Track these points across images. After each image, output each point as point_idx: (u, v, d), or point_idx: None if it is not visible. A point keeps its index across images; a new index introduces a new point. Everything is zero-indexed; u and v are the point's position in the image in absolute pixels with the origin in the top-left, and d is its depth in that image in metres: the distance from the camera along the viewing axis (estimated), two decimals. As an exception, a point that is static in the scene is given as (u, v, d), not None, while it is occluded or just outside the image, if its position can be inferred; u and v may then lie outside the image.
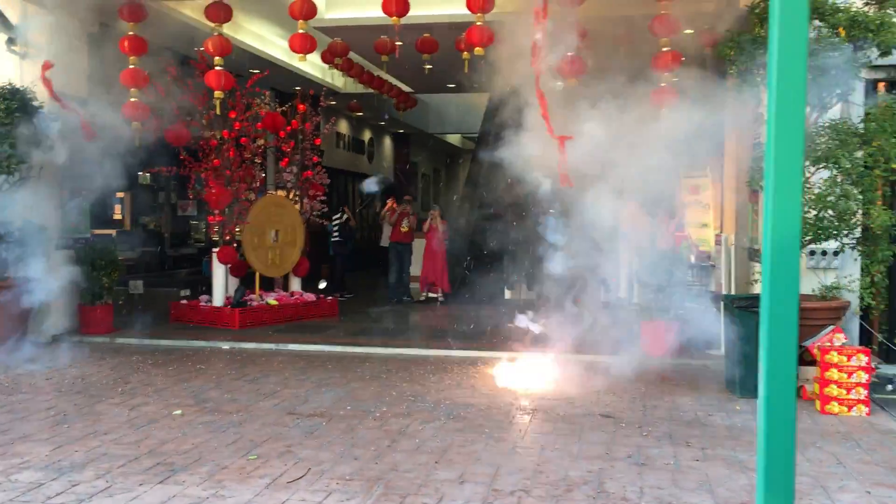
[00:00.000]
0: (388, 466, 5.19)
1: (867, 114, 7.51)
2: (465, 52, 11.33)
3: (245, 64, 12.79)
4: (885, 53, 7.24)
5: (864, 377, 6.64)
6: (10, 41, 9.59)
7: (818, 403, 6.76)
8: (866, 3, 7.16)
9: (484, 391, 7.42)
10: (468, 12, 9.62)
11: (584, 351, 9.18)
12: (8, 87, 8.99)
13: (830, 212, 7.09)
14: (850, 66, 6.97)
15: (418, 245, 14.94)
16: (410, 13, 9.93)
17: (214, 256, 11.42)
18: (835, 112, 7.40)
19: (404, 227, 14.54)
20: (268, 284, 12.67)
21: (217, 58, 10.01)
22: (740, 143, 10.01)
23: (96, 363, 8.64)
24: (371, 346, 9.65)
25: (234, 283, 11.51)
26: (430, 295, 14.47)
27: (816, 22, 7.26)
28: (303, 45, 9.92)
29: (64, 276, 9.60)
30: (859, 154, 7.17)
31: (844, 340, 7.06)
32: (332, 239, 15.23)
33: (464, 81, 16.14)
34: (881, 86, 8.17)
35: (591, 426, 6.22)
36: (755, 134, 9.04)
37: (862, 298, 7.67)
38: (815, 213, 7.17)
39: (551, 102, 11.77)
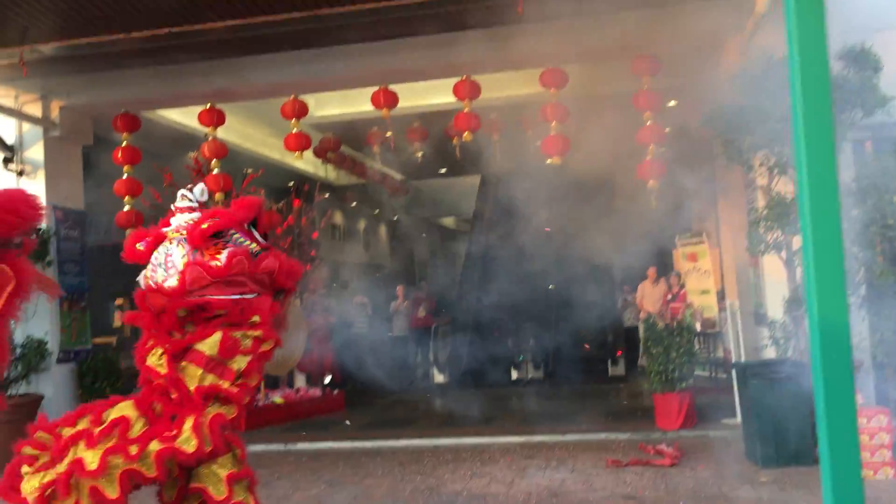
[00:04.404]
0: (411, 569, 5.02)
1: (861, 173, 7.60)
2: (455, 139, 11.54)
3: (239, 164, 12.96)
4: (868, 114, 7.35)
5: (886, 438, 6.51)
6: (6, 160, 9.72)
7: (843, 468, 6.61)
8: (845, 67, 7.31)
9: (501, 479, 7.24)
10: (456, 100, 9.82)
11: (598, 429, 9.05)
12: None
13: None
14: (837, 128, 7.07)
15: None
16: (399, 105, 10.13)
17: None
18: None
19: (421, 313, 14.77)
20: (272, 382, 12.51)
21: (214, 160, 10.16)
22: (735, 208, 10.08)
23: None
24: (382, 440, 9.46)
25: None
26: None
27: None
28: (298, 143, 10.10)
29: (65, 390, 9.49)
30: (855, 213, 7.20)
31: (862, 401, 6.95)
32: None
33: (455, 166, 16.43)
34: (867, 144, 8.28)
35: (614, 509, 6.06)
36: (749, 199, 9.12)
37: (874, 356, 7.58)
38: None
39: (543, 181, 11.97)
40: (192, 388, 3.96)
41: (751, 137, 7.44)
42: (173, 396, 3.97)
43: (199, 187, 4.46)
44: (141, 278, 4.32)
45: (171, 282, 4.10)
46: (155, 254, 4.25)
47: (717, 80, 8.71)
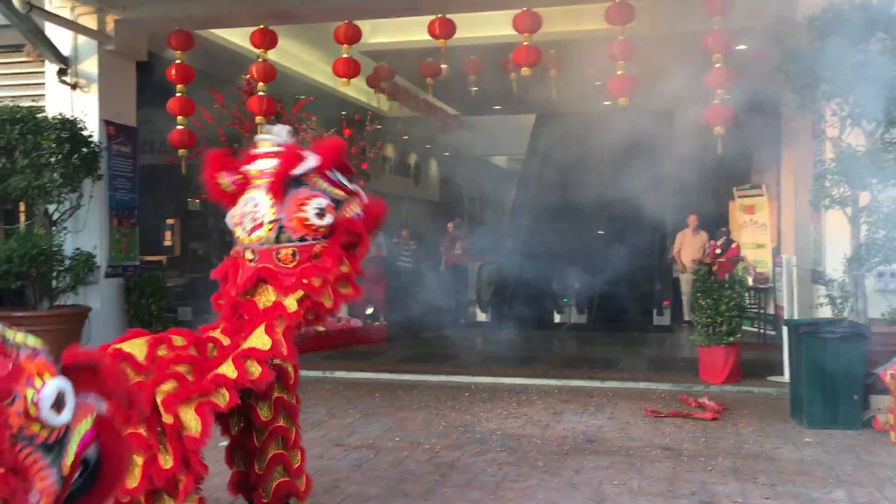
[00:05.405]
0: (439, 502, 4.98)
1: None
2: (512, 74, 11.21)
3: (291, 89, 12.82)
4: None
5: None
6: (61, 72, 9.71)
7: (893, 435, 6.37)
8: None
9: (537, 421, 7.17)
10: (514, 33, 9.47)
11: (639, 378, 8.91)
12: (59, 117, 9.08)
13: (900, 231, 6.72)
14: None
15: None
16: (456, 35, 9.82)
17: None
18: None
19: (458, 250, 14.76)
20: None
21: (261, 83, 10.03)
22: (800, 160, 9.66)
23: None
24: (419, 374, 9.45)
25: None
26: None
27: (880, 34, 6.95)
28: (346, 69, 9.88)
29: (112, 304, 9.63)
30: None
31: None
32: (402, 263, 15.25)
33: (510, 103, 16.06)
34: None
35: (650, 460, 5.93)
36: (816, 151, 8.70)
37: None
38: (883, 233, 6.82)
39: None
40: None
41: (825, 85, 7.03)
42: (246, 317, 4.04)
43: (285, 129, 4.26)
44: (228, 220, 4.24)
45: (260, 233, 4.04)
46: (242, 200, 4.15)
47: (793, 23, 8.25)
